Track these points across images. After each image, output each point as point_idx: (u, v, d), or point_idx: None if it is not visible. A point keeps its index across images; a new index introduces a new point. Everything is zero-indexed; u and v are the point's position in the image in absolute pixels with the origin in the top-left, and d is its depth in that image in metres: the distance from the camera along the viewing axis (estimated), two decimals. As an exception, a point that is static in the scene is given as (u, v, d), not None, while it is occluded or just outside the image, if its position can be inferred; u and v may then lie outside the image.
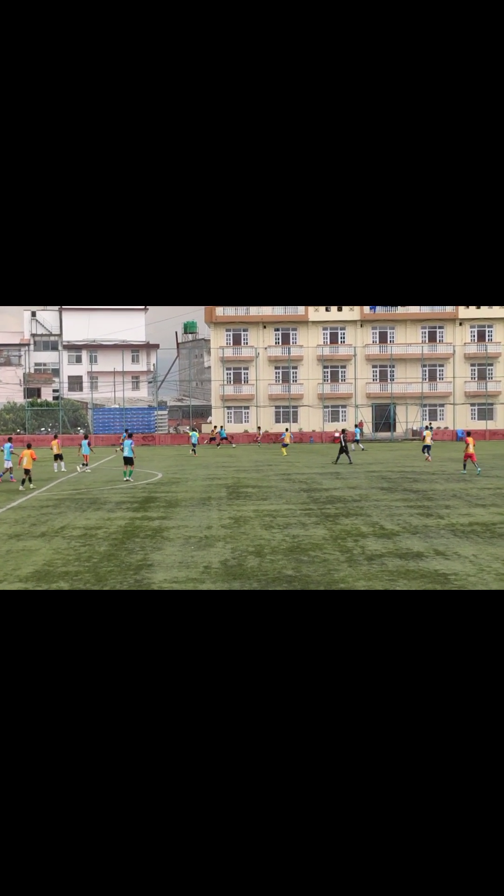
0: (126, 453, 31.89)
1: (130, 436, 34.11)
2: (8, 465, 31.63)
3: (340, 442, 40.75)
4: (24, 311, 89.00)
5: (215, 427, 54.25)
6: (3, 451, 31.80)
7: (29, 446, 30.84)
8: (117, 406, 77.78)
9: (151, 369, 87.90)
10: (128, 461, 31.91)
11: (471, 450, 32.40)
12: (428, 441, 41.83)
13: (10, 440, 35.16)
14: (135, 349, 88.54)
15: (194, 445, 52.34)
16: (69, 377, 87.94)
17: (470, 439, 32.89)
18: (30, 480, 29.63)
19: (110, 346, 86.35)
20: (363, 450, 51.48)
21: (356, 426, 61.14)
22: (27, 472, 29.46)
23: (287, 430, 57.89)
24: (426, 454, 41.38)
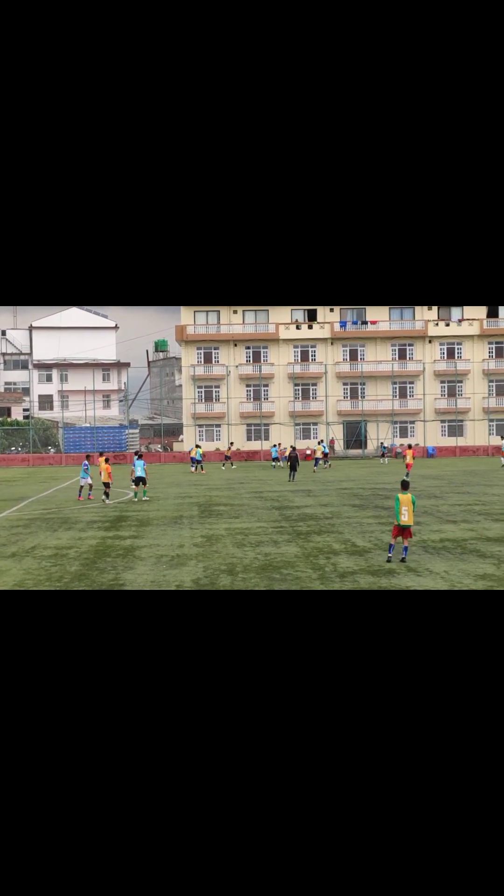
0: (139, 473, 31.04)
1: (141, 456, 32.83)
2: (85, 481, 31.71)
3: (292, 459, 40.81)
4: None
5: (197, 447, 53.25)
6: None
7: (107, 460, 31.45)
8: (88, 425, 77.43)
9: (122, 388, 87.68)
10: (140, 481, 31.14)
11: (409, 460, 40.80)
12: (409, 459, 42.23)
13: (87, 457, 34.60)
14: (105, 368, 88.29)
15: (199, 462, 50.48)
16: (39, 396, 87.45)
17: (409, 451, 42.10)
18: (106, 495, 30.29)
19: (81, 364, 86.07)
20: (328, 467, 51.46)
21: (326, 443, 61.23)
22: (107, 485, 30.24)
23: (321, 441, 57.94)
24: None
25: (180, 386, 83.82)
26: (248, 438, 74.70)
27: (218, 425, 75.30)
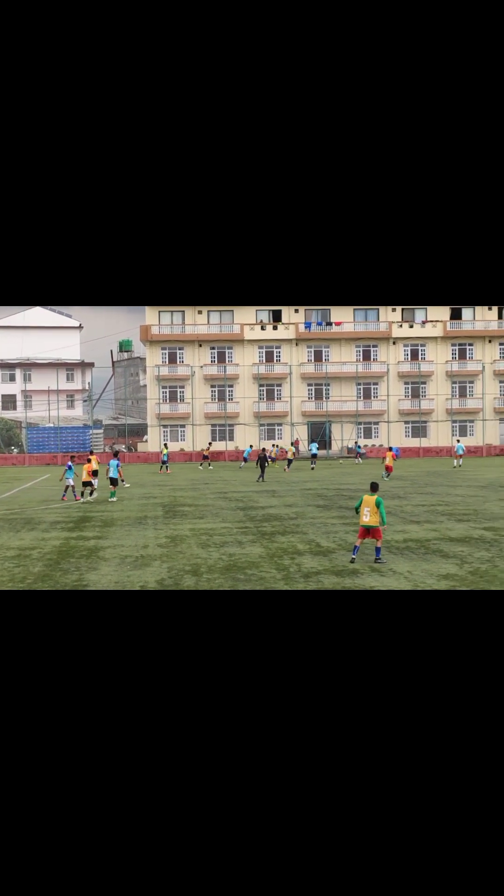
0: (111, 474, 31.23)
1: (116, 455, 33.27)
2: (69, 481, 30.78)
3: (261, 459, 41.43)
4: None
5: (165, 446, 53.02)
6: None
7: (90, 459, 31.54)
8: (52, 425, 76.90)
9: (87, 388, 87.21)
10: (113, 482, 31.24)
11: (388, 462, 41.08)
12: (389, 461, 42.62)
13: (72, 458, 33.68)
14: (70, 368, 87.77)
15: (165, 462, 50.48)
16: (2, 396, 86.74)
17: (389, 454, 42.23)
18: (90, 493, 30.61)
19: (45, 364, 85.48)
20: (286, 470, 51.78)
21: (291, 444, 61.42)
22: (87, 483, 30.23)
23: (274, 445, 59.06)
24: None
25: (145, 386, 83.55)
26: (213, 439, 74.58)
27: (182, 426, 75.18)
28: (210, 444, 64.05)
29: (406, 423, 76.48)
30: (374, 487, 16.59)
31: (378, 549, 16.08)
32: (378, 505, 15.79)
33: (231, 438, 74.27)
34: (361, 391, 76.30)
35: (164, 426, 74.97)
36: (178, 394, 75.65)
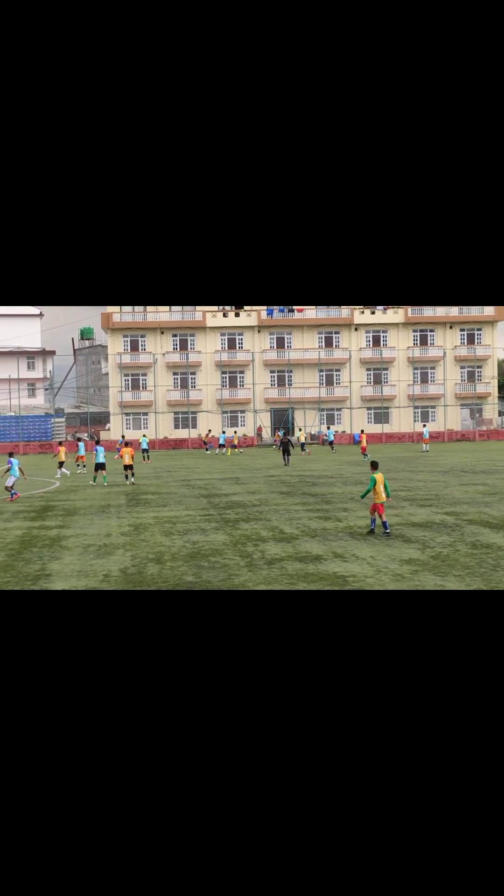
0: (98, 459, 32.73)
1: (97, 442, 36.28)
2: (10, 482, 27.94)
3: (284, 444, 43.67)
4: None
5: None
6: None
7: (128, 444, 35.44)
8: (13, 414, 76.29)
9: (48, 376, 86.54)
10: (100, 466, 32.64)
11: (364, 444, 47.12)
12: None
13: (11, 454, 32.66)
14: (30, 356, 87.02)
15: (146, 450, 50.32)
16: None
17: (364, 435, 48.42)
18: (130, 476, 32.83)
19: (5, 352, 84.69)
20: (240, 452, 52.50)
21: (254, 430, 61.64)
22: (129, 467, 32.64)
23: (235, 432, 60.88)
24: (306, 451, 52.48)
25: (107, 374, 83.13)
26: (176, 426, 74.52)
27: (145, 413, 74.95)
28: (209, 431, 65.79)
29: (368, 409, 76.88)
30: (375, 465, 18.68)
31: (385, 522, 17.66)
32: (385, 482, 17.67)
33: (194, 426, 74.17)
34: (324, 378, 76.55)
35: (127, 414, 74.67)
36: (141, 381, 75.39)
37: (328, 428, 67.16)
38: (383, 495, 17.46)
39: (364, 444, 47.18)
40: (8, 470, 27.61)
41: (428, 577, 13.07)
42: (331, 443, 59.94)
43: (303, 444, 55.53)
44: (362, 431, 51.30)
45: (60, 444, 40.84)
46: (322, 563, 14.58)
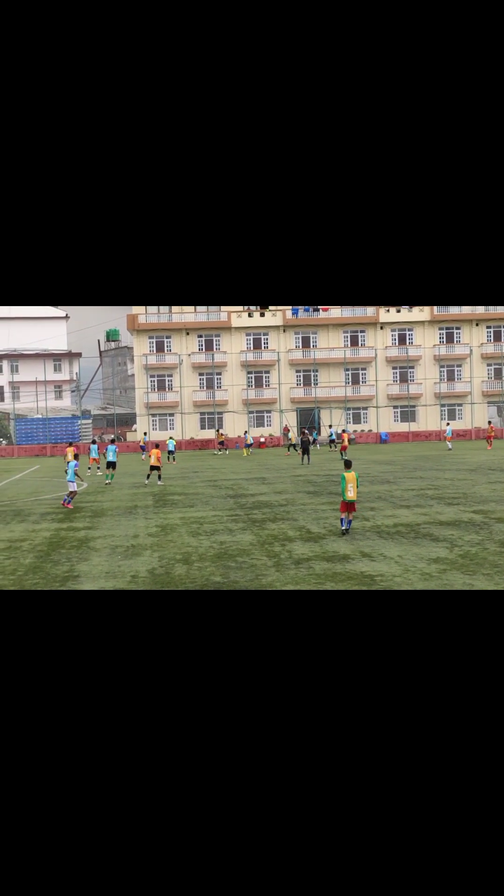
0: (110, 458, 33.88)
1: (113, 441, 37.58)
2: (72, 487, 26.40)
3: (305, 444, 44.24)
4: None
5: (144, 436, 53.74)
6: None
7: (157, 446, 35.44)
8: (40, 416, 76.71)
9: (74, 378, 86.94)
10: (111, 465, 33.94)
11: (345, 443, 47.82)
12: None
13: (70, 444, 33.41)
14: (57, 358, 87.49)
15: (172, 452, 50.44)
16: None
17: (345, 435, 49.37)
18: (158, 477, 32.64)
19: (31, 355, 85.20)
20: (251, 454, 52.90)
21: (281, 430, 61.64)
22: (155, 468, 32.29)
23: (246, 432, 61.66)
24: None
25: (133, 375, 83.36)
26: (202, 427, 74.60)
27: (171, 414, 75.10)
28: (220, 430, 66.35)
29: (395, 407, 76.56)
30: (348, 465, 18.76)
31: (350, 522, 17.93)
32: (356, 480, 17.74)
33: (220, 426, 74.24)
34: (350, 377, 76.32)
35: (153, 415, 74.88)
36: (167, 382, 75.54)
37: (329, 427, 67.27)
38: (350, 493, 17.50)
39: (345, 443, 48.12)
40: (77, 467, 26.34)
41: (456, 576, 13.01)
42: (331, 442, 60.75)
43: (331, 441, 57.22)
44: (344, 431, 52.86)
45: (70, 444, 38.16)
46: (350, 562, 14.54)
